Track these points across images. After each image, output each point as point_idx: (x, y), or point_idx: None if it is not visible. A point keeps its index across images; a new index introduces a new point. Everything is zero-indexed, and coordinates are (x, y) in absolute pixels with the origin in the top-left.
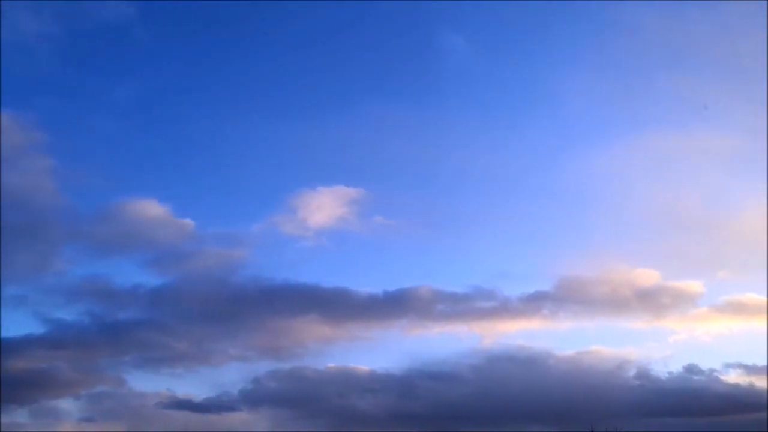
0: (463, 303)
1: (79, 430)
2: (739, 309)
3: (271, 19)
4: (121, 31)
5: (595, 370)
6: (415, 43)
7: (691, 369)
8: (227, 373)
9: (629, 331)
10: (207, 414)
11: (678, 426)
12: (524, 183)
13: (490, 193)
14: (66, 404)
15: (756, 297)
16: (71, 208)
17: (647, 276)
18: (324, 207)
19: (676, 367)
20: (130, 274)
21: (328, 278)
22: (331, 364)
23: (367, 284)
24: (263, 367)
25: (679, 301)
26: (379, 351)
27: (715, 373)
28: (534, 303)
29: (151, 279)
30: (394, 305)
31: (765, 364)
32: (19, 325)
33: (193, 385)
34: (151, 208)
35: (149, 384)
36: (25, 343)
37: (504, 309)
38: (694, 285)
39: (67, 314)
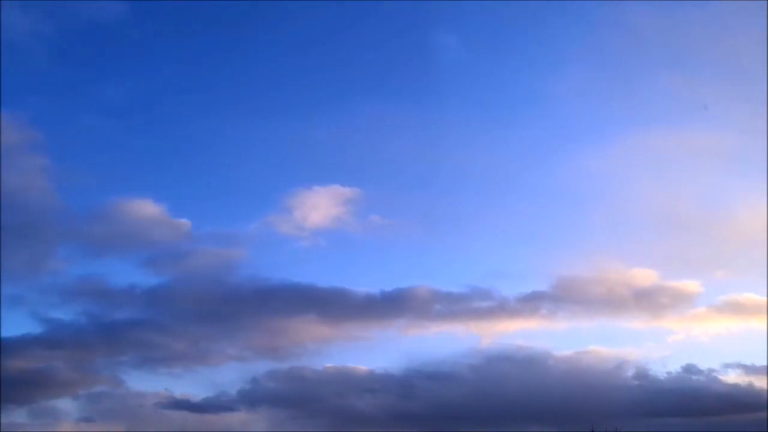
0: (460, 303)
1: (78, 430)
2: (737, 309)
3: (267, 19)
4: (113, 30)
5: (593, 370)
6: (410, 43)
7: (689, 369)
8: (225, 373)
9: (627, 331)
10: (205, 414)
11: (677, 426)
12: (522, 182)
13: (488, 193)
14: (64, 404)
15: (754, 297)
16: (66, 208)
17: (645, 276)
18: (320, 206)
19: (674, 367)
20: (126, 273)
21: (325, 278)
22: (330, 364)
23: (364, 284)
24: (261, 367)
25: (678, 301)
26: (378, 351)
27: (714, 373)
28: (532, 303)
29: (147, 279)
30: (392, 305)
31: (764, 364)
32: (16, 324)
33: (191, 385)
34: (147, 208)
35: (147, 384)
36: (23, 343)
37: (502, 309)
38: (692, 285)
39: (64, 314)
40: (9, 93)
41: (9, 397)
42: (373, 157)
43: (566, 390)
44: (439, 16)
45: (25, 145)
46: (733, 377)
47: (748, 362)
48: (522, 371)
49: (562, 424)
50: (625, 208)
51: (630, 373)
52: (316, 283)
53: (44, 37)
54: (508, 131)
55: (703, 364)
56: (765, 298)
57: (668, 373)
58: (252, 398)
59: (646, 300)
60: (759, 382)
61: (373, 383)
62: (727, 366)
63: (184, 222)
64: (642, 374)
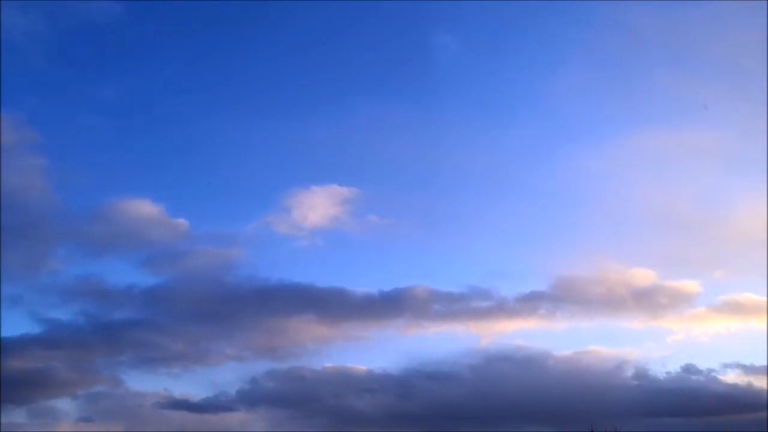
0: (459, 303)
1: (77, 430)
2: (736, 309)
3: (265, 19)
4: (111, 30)
5: (593, 370)
6: (408, 43)
7: (689, 369)
8: (224, 373)
9: (627, 331)
10: (204, 414)
11: (676, 426)
12: (521, 182)
13: (487, 193)
14: (63, 404)
15: (754, 297)
16: (64, 208)
17: (644, 276)
18: (318, 206)
19: (674, 367)
20: (124, 273)
21: (323, 278)
22: (329, 364)
23: (362, 284)
24: (260, 367)
25: (676, 301)
26: (376, 351)
27: (713, 373)
28: (530, 303)
29: (145, 279)
30: (391, 305)
31: (763, 364)
32: (14, 324)
33: (190, 385)
34: (145, 208)
35: (146, 384)
36: (21, 343)
37: (500, 309)
38: (690, 285)
39: (63, 314)
40: (6, 93)
41: (8, 397)
42: (371, 157)
43: (565, 390)
44: (436, 15)
45: (22, 145)
46: (732, 377)
47: (747, 362)
48: (521, 371)
49: (562, 424)
50: (624, 208)
51: (629, 373)
52: (315, 283)
53: (42, 36)
54: (507, 131)
55: (702, 364)
56: (764, 298)
57: (668, 373)
58: (251, 398)
59: (645, 300)
60: (758, 382)
61: (372, 383)
62: (726, 366)
63: (182, 222)
64: (641, 374)
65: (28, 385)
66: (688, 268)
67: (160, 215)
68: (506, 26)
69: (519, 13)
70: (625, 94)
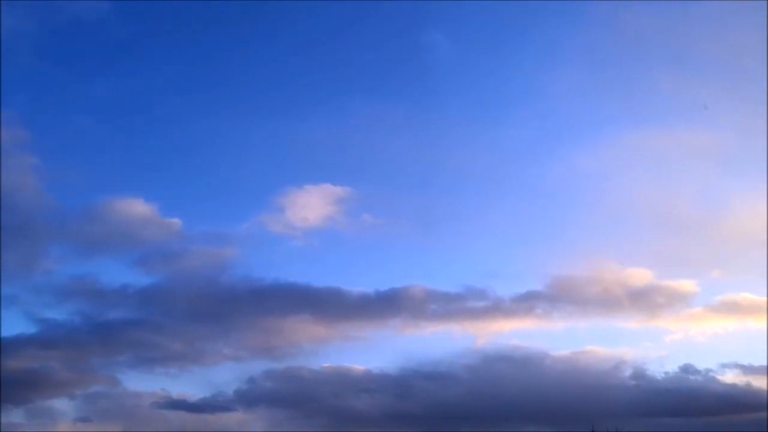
0: (455, 303)
1: (76, 430)
2: (734, 309)
3: (259, 19)
4: (96, 28)
5: (590, 370)
6: (404, 43)
7: (687, 369)
8: (222, 373)
9: (624, 331)
10: (202, 414)
11: (675, 426)
12: (517, 182)
13: (483, 192)
14: (61, 404)
15: (751, 297)
16: (56, 207)
17: (640, 275)
18: (312, 206)
19: (672, 367)
20: (118, 273)
21: (318, 278)
22: (326, 364)
23: (358, 284)
24: (258, 367)
25: (674, 300)
26: (374, 351)
27: (711, 373)
28: (527, 303)
29: (139, 278)
30: (387, 305)
31: (761, 363)
32: (9, 324)
33: (187, 385)
34: (137, 207)
35: (144, 384)
36: (18, 343)
37: (497, 309)
38: (687, 284)
39: (58, 314)
40: None
41: (6, 397)
42: (366, 157)
43: (563, 390)
44: (431, 15)
45: (14, 145)
46: (730, 377)
47: (745, 362)
48: (519, 371)
49: (560, 424)
50: (621, 208)
51: (627, 373)
52: (310, 282)
53: (33, 35)
54: (505, 131)
55: (700, 364)
56: (762, 298)
57: (665, 373)
58: (249, 398)
59: (642, 300)
60: (757, 382)
61: (370, 383)
62: (725, 366)
63: (176, 221)
64: (639, 374)
65: (25, 385)
66: (685, 268)
67: (153, 215)
68: (503, 26)
69: (516, 13)
70: (623, 93)
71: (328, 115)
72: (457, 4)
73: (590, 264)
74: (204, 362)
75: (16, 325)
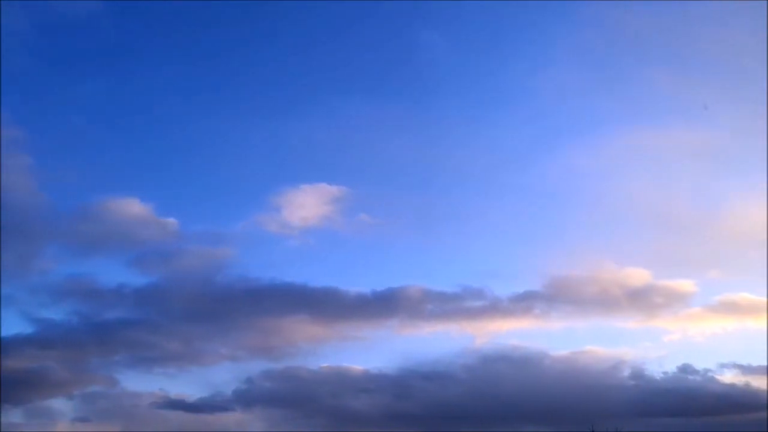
0: (452, 302)
1: (74, 430)
2: (733, 309)
3: (256, 18)
4: (91, 27)
5: (589, 370)
6: (398, 42)
7: (685, 369)
8: (220, 373)
9: (623, 331)
10: (201, 414)
11: (674, 426)
12: (514, 182)
13: (480, 192)
14: (60, 404)
15: (750, 296)
16: (52, 207)
17: (638, 275)
18: (308, 205)
19: (670, 367)
20: (115, 273)
21: (315, 277)
22: (325, 364)
23: (355, 284)
24: (256, 367)
25: (672, 300)
26: (372, 351)
27: (710, 373)
28: (524, 302)
29: (136, 278)
30: (384, 305)
31: (760, 363)
32: (7, 325)
33: (186, 385)
34: (133, 207)
35: (142, 384)
36: (15, 343)
37: (495, 309)
38: (686, 284)
39: (55, 314)
40: None
41: (4, 397)
42: (361, 157)
43: (562, 390)
44: (428, 15)
45: (8, 144)
46: (729, 377)
47: (744, 362)
48: (517, 371)
49: (558, 424)
50: (619, 208)
51: (626, 373)
52: (307, 282)
53: (19, 33)
54: (501, 131)
55: (699, 364)
56: (760, 298)
57: (664, 373)
58: (247, 398)
59: (640, 300)
60: (756, 382)
61: (369, 383)
62: (723, 366)
63: (172, 221)
64: (638, 374)
65: (23, 385)
66: (684, 268)
67: (149, 214)
68: (502, 26)
69: (514, 13)
70: (622, 93)
71: (324, 114)
72: (455, 4)
73: (588, 264)
74: (202, 362)
75: (13, 325)
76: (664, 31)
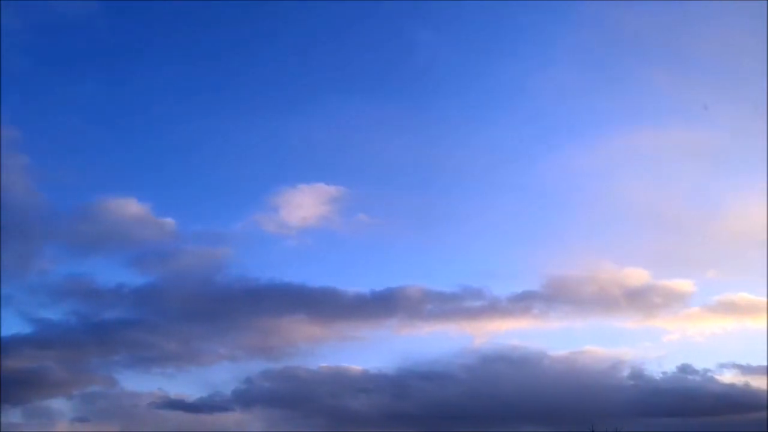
0: (451, 302)
1: (74, 430)
2: (732, 308)
3: (254, 18)
4: (88, 27)
5: (588, 370)
6: (396, 43)
7: (685, 369)
8: (219, 373)
9: (622, 331)
10: (200, 414)
11: (673, 426)
12: (513, 182)
13: (478, 192)
14: (59, 404)
15: (749, 296)
16: (50, 207)
17: (637, 275)
18: (306, 205)
19: (669, 367)
20: (113, 273)
21: (314, 277)
22: (324, 364)
23: (353, 284)
24: (255, 367)
25: (671, 300)
26: (371, 351)
27: (710, 373)
28: (523, 302)
29: (134, 278)
30: (383, 305)
31: (759, 363)
32: (5, 325)
33: (185, 385)
34: (131, 207)
35: (141, 384)
36: (14, 343)
37: (493, 309)
38: (684, 284)
39: (53, 314)
40: None
41: (3, 397)
42: (360, 156)
43: (562, 390)
44: (426, 15)
45: (4, 144)
46: (728, 377)
47: (743, 362)
48: (516, 371)
49: (557, 424)
50: (618, 208)
51: (625, 373)
52: (305, 282)
53: (14, 33)
54: (500, 130)
55: (698, 364)
56: (759, 298)
57: (664, 373)
58: (247, 398)
59: (639, 300)
60: (755, 382)
61: (367, 383)
62: (723, 366)
63: (170, 221)
64: (637, 374)
65: (22, 385)
66: (682, 268)
67: (147, 214)
68: (500, 26)
69: (513, 12)
70: (621, 93)
71: (322, 114)
72: (454, 4)
73: (587, 264)
74: (201, 362)
75: (11, 325)
76: (664, 31)
